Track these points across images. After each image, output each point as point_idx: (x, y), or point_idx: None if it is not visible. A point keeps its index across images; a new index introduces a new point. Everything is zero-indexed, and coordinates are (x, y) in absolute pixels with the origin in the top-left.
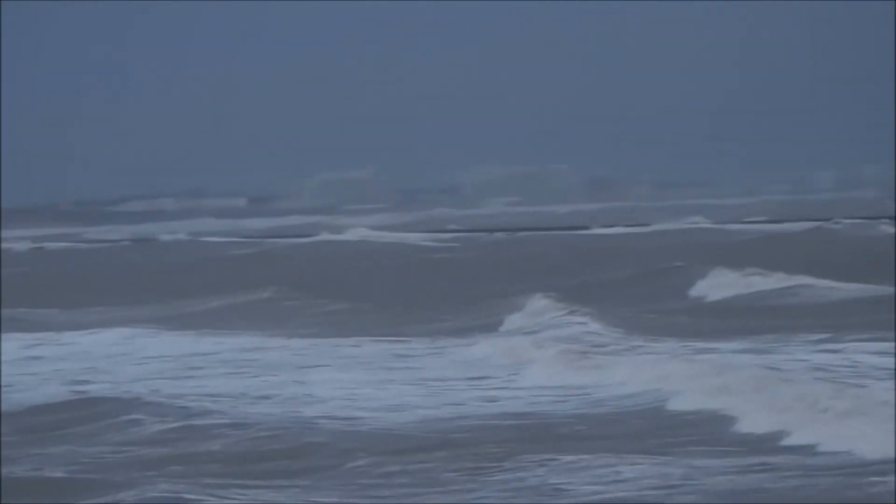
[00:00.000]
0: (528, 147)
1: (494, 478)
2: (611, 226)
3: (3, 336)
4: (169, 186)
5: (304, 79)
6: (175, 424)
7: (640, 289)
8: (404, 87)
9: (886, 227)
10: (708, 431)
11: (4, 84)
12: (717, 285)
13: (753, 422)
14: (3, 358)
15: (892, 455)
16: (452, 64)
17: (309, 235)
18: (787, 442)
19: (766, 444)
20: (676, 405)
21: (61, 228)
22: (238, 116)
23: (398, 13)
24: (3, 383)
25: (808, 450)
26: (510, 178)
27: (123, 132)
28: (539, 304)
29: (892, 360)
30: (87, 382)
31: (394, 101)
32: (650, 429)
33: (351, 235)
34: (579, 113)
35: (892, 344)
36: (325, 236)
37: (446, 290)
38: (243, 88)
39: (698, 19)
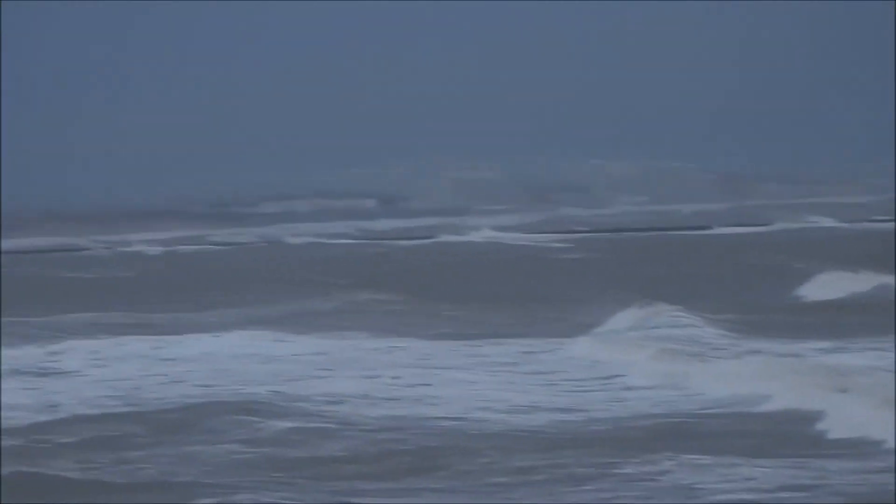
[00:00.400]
0: (657, 145)
1: (626, 476)
2: (732, 225)
3: (134, 338)
4: (301, 188)
5: (432, 78)
6: (300, 426)
7: (754, 289)
8: (536, 85)
9: None
10: (825, 433)
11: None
12: (833, 286)
13: (873, 423)
14: (133, 358)
15: None
16: (583, 64)
17: (432, 237)
18: None
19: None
20: (788, 405)
21: (193, 230)
22: (368, 117)
23: (528, 12)
24: (133, 385)
25: None
26: (639, 176)
27: (252, 134)
28: (651, 305)
29: None
30: (214, 385)
31: (527, 99)
32: (766, 430)
33: (473, 236)
34: (709, 111)
35: None
36: (447, 238)
37: (563, 290)
38: (371, 88)
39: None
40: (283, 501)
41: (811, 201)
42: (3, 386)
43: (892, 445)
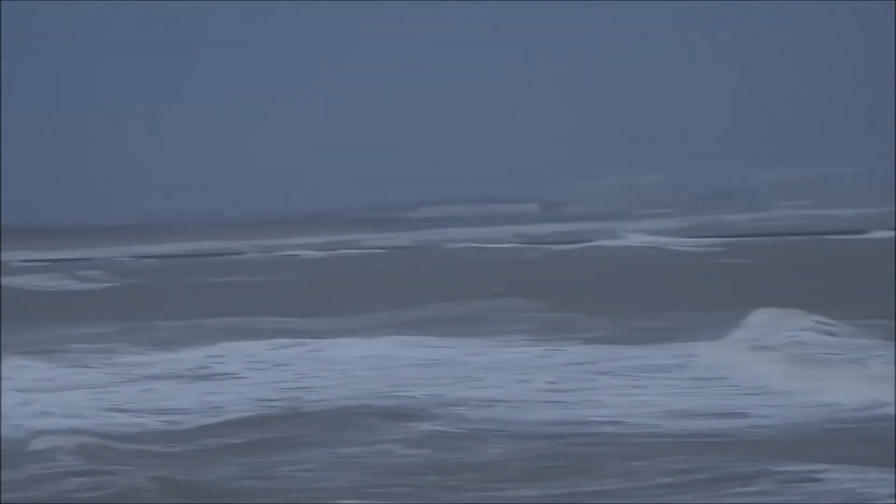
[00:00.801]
0: (821, 150)
1: (787, 477)
2: (887, 229)
3: (289, 341)
4: (462, 193)
5: (598, 82)
6: (456, 430)
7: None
8: (699, 91)
9: None
10: None
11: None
12: None
13: None
14: (290, 362)
15: None
16: (746, 70)
17: (588, 241)
18: None
19: None
20: None
21: (353, 235)
22: (533, 122)
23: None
24: (292, 387)
25: None
26: (802, 181)
27: (413, 139)
28: (789, 312)
29: None
30: (370, 388)
31: (692, 106)
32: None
33: (629, 240)
34: (869, 114)
35: None
36: (603, 242)
37: (715, 295)
38: (536, 92)
39: None
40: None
41: None
42: (165, 388)
43: None
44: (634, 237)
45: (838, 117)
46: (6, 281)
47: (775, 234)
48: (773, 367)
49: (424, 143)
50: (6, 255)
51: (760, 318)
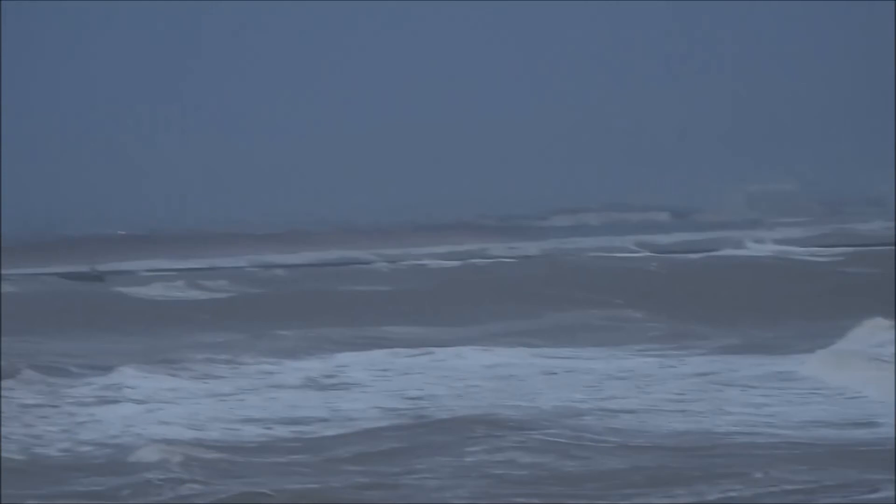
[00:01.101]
0: None
1: None
2: None
3: (412, 350)
4: (593, 201)
5: (726, 88)
6: (580, 440)
7: None
8: (831, 97)
9: None
10: None
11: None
12: None
13: None
14: (415, 371)
15: None
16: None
17: (714, 250)
18: None
19: None
20: None
21: (482, 244)
22: (666, 129)
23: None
24: (418, 394)
25: None
26: None
27: (543, 146)
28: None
29: None
30: (493, 398)
31: (824, 112)
32: None
33: (754, 250)
34: None
35: None
36: (728, 251)
37: (824, 306)
38: (671, 97)
39: None
40: None
41: None
42: (290, 397)
43: None
44: (760, 247)
45: None
46: (134, 291)
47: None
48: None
49: (557, 150)
50: (133, 265)
51: (877, 328)
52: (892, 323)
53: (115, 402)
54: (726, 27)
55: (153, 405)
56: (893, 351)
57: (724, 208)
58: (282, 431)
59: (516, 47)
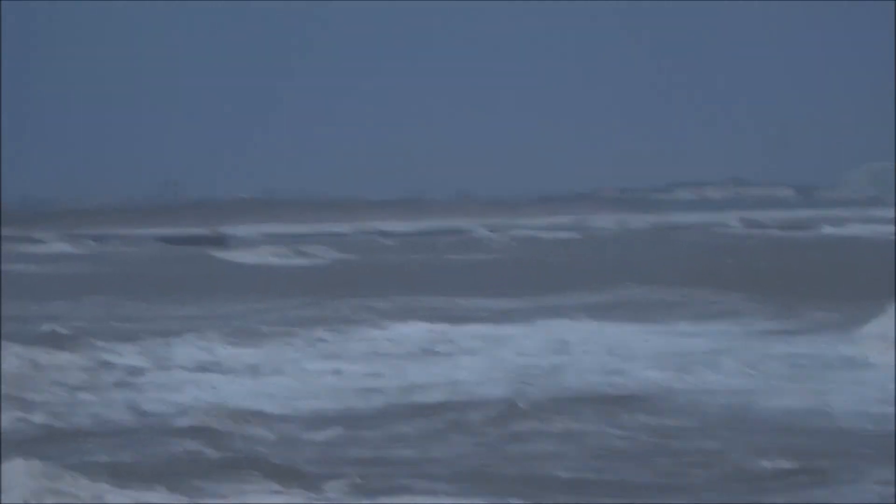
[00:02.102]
0: None
1: None
2: None
3: (513, 323)
4: (716, 175)
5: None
6: (698, 418)
7: None
8: None
9: None
10: None
11: None
12: None
13: None
14: (508, 341)
15: None
16: None
17: (811, 229)
18: None
19: None
20: None
21: (602, 215)
22: (788, 105)
23: None
24: (511, 366)
25: None
26: None
27: (666, 121)
28: None
29: None
30: (603, 373)
31: None
32: None
33: (850, 230)
34: None
35: None
36: (829, 230)
37: None
38: (800, 73)
39: None
40: None
41: None
42: (408, 366)
43: None
44: (859, 227)
45: None
46: (236, 256)
47: None
48: None
49: (681, 123)
50: (250, 229)
51: None
52: None
53: (213, 371)
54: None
55: (247, 377)
56: None
57: (849, 185)
58: (398, 399)
59: (649, 26)
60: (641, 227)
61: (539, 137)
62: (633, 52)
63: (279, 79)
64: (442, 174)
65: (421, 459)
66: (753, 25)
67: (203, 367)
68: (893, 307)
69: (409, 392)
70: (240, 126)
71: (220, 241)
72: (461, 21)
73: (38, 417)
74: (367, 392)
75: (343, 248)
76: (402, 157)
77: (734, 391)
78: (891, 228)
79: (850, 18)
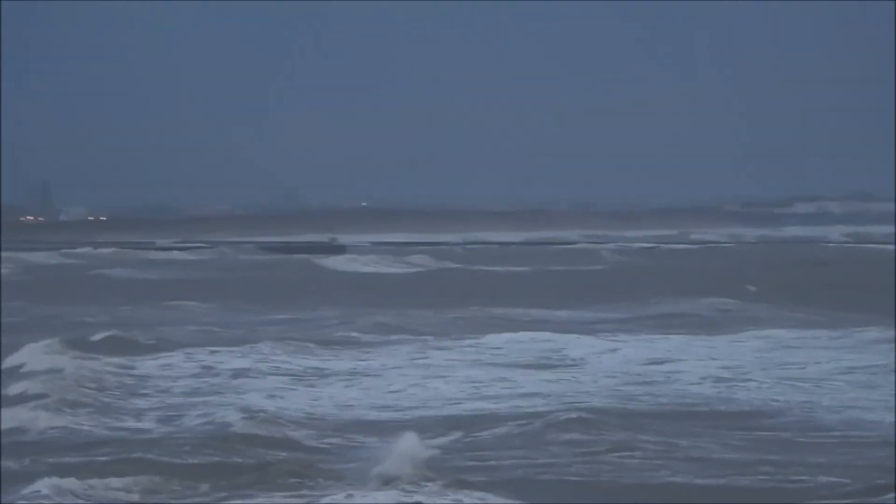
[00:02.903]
0: None
1: None
2: None
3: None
4: (838, 189)
5: None
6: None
7: None
8: None
9: None
10: None
11: None
12: None
13: None
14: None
15: None
16: None
17: None
18: None
19: None
20: None
21: (724, 229)
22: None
23: None
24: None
25: None
26: None
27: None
28: None
29: None
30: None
31: None
32: None
33: None
34: None
35: None
36: None
37: None
38: None
39: None
40: None
41: None
42: (512, 375)
43: None
44: None
45: None
46: (335, 264)
47: None
48: None
49: (796, 139)
50: (366, 237)
51: None
52: None
53: (312, 376)
54: None
55: (347, 382)
56: None
57: None
58: (507, 406)
59: (779, 38)
60: (750, 240)
61: (664, 148)
62: (763, 66)
63: (402, 86)
64: (564, 185)
65: (535, 465)
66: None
67: (304, 373)
68: None
69: (515, 399)
70: (361, 134)
71: (337, 249)
72: (588, 31)
73: (146, 423)
74: (470, 399)
75: (448, 257)
76: (524, 167)
77: (848, 405)
78: None
79: None
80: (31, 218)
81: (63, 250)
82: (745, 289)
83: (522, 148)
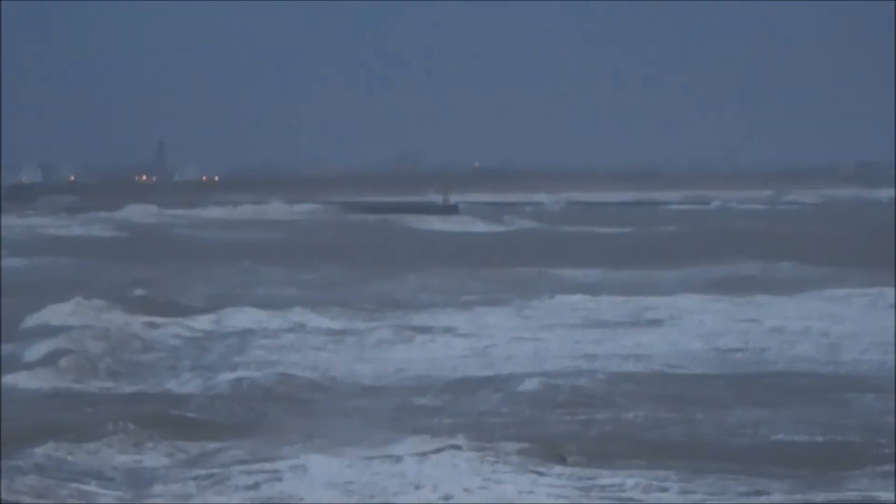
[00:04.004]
0: None
1: None
2: None
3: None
4: None
5: None
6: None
7: None
8: None
9: None
10: None
11: None
12: None
13: None
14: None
15: None
16: None
17: None
18: None
19: None
20: None
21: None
22: None
23: None
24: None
25: None
26: None
27: None
28: None
29: None
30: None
31: None
32: None
33: None
34: None
35: None
36: None
37: None
38: None
39: None
40: None
41: None
42: (606, 335)
43: None
44: None
45: None
46: (422, 222)
47: None
48: None
49: None
50: (478, 197)
51: None
52: None
53: (408, 333)
54: None
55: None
56: None
57: None
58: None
59: None
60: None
61: (779, 108)
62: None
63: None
64: (678, 146)
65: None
66: None
67: (399, 330)
68: None
69: (600, 360)
70: (479, 95)
71: (450, 209)
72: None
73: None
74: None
75: (545, 219)
76: (641, 127)
77: None
78: None
79: None
80: (145, 178)
81: (169, 211)
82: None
83: (635, 108)
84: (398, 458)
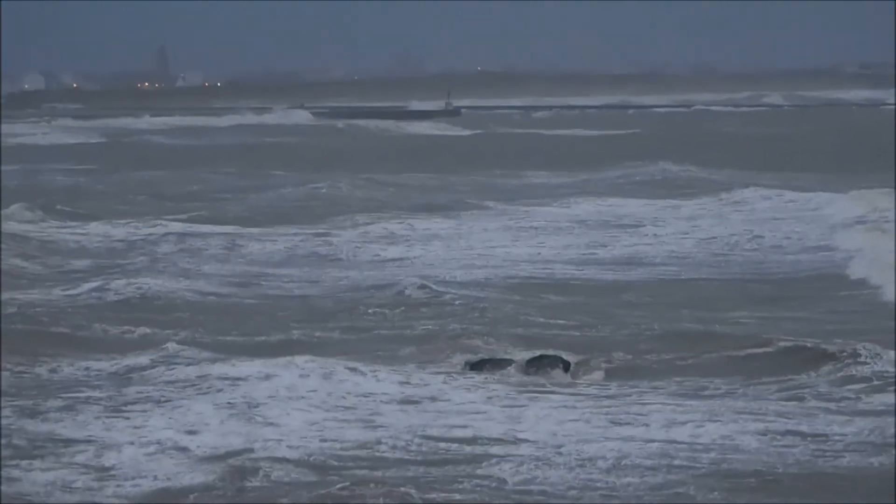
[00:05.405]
0: None
1: None
2: None
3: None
4: None
5: None
6: None
7: None
8: None
9: None
10: None
11: None
12: None
13: None
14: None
15: None
16: None
17: None
18: None
19: None
20: None
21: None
22: None
23: None
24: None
25: None
26: None
27: None
28: None
29: None
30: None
31: None
32: None
33: None
34: None
35: None
36: None
37: None
38: None
39: None
40: None
41: None
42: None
43: None
44: None
45: None
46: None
47: None
48: None
49: None
50: (485, 101)
51: None
52: None
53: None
54: None
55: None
56: None
57: None
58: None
59: None
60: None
61: (781, 13)
62: None
63: None
64: (684, 48)
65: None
66: None
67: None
68: None
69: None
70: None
71: (453, 114)
72: None
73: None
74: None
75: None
76: (643, 31)
77: None
78: None
79: None
80: (147, 84)
81: (161, 117)
82: None
83: (636, 12)
84: None
